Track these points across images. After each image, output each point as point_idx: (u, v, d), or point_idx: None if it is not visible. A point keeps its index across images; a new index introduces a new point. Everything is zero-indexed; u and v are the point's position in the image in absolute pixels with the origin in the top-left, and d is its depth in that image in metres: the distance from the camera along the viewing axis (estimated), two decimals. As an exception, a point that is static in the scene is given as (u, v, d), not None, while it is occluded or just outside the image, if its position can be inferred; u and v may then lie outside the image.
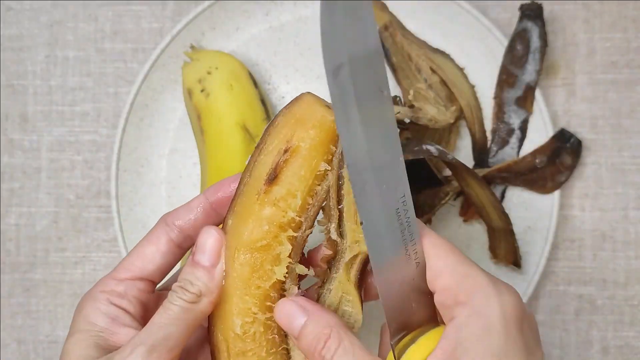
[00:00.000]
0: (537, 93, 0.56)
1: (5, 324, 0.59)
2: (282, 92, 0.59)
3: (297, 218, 0.38)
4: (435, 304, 0.36)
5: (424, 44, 0.58)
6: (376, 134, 0.33)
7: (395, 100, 0.56)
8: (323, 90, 0.61)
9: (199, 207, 0.40)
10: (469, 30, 0.57)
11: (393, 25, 0.57)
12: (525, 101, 0.56)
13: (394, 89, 0.58)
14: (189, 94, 0.55)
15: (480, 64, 0.57)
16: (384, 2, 0.58)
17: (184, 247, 0.41)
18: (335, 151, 0.37)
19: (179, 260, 0.42)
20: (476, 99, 0.58)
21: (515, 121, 0.56)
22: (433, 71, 0.57)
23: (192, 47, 0.57)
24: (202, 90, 0.55)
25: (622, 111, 0.59)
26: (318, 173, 0.37)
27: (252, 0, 0.58)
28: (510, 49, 0.56)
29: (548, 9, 0.58)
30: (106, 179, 0.59)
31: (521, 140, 0.57)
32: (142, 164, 0.58)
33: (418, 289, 0.37)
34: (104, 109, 0.60)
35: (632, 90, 0.59)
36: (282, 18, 0.59)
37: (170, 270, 0.42)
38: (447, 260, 0.36)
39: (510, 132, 0.56)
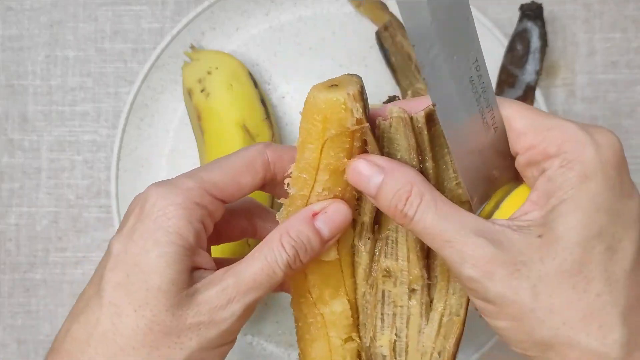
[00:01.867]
0: (537, 93, 0.56)
1: (5, 324, 0.59)
2: (282, 92, 0.59)
3: None
4: (520, 167, 0.35)
5: (424, 44, 0.58)
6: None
7: (394, 100, 0.56)
8: (323, 90, 0.61)
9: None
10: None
11: (393, 25, 0.57)
12: (525, 101, 0.56)
13: (394, 89, 0.58)
14: (189, 94, 0.55)
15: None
16: (384, 2, 0.58)
17: (265, 187, 0.39)
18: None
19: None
20: (476, 99, 0.58)
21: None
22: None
23: (192, 47, 0.57)
24: (202, 90, 0.55)
25: (622, 111, 0.59)
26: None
27: (252, 0, 0.58)
28: (510, 49, 0.56)
29: (548, 9, 0.58)
30: (106, 179, 0.59)
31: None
32: (142, 164, 0.58)
33: (498, 155, 0.35)
34: (104, 109, 0.60)
35: (632, 90, 0.59)
36: (282, 18, 0.59)
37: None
38: (528, 117, 0.34)
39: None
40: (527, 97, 0.56)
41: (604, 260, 0.32)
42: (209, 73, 0.55)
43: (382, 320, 0.39)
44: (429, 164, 0.37)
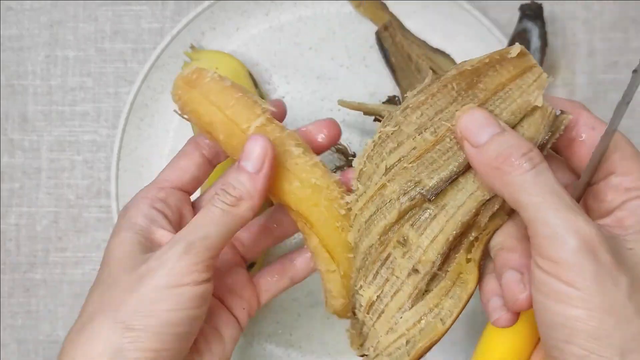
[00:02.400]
0: (537, 93, 0.56)
1: (5, 324, 0.59)
2: (283, 92, 0.59)
3: None
4: (603, 186, 0.37)
5: (424, 44, 0.58)
6: None
7: (394, 100, 0.56)
8: (323, 90, 0.61)
9: None
10: (469, 30, 0.57)
11: (393, 25, 0.57)
12: (526, 101, 0.56)
13: (394, 89, 0.58)
14: (189, 94, 0.55)
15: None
16: (384, 2, 0.58)
17: (214, 163, 0.45)
18: None
19: (209, 175, 0.45)
20: (476, 99, 0.58)
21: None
22: (433, 71, 0.57)
23: (192, 47, 0.57)
24: (202, 90, 0.55)
25: (622, 111, 0.59)
26: None
27: (252, 0, 0.58)
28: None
29: (548, 9, 0.58)
30: (106, 179, 0.59)
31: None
32: (142, 164, 0.58)
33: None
34: (104, 109, 0.60)
35: (632, 90, 0.59)
36: (282, 18, 0.59)
37: (202, 182, 0.45)
38: (633, 148, 0.38)
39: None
40: (527, 97, 0.56)
41: None
42: (209, 73, 0.55)
43: (374, 277, 0.40)
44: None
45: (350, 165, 0.56)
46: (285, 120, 0.59)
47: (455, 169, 0.37)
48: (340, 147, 0.56)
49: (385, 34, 0.57)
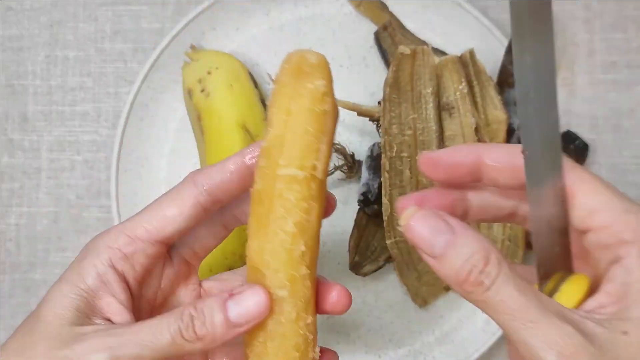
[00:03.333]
0: (537, 93, 0.56)
1: (5, 324, 0.59)
2: (282, 92, 0.59)
3: None
4: (590, 245, 0.32)
5: (423, 44, 0.58)
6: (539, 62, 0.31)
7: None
8: (323, 91, 0.60)
9: (234, 168, 0.36)
10: (469, 30, 0.57)
11: (392, 25, 0.57)
12: (526, 101, 0.56)
13: (394, 89, 0.58)
14: (189, 94, 0.55)
15: (482, 63, 0.57)
16: (384, 2, 0.58)
17: (210, 210, 0.37)
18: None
19: (201, 222, 0.38)
20: (476, 99, 0.58)
21: (515, 121, 0.56)
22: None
23: (192, 47, 0.57)
24: (202, 90, 0.55)
25: (622, 111, 0.59)
26: None
27: (252, 0, 0.58)
28: (511, 49, 0.56)
29: (548, 9, 0.58)
30: (106, 179, 0.59)
31: (521, 141, 0.57)
32: (142, 164, 0.58)
33: (559, 230, 0.33)
34: (104, 109, 0.60)
35: (632, 90, 0.59)
36: (283, 18, 0.59)
37: (188, 232, 0.38)
38: (604, 195, 0.32)
39: (511, 132, 0.56)
40: (527, 97, 0.56)
41: None
42: (209, 73, 0.55)
43: None
44: (477, 89, 0.48)
45: (349, 165, 0.56)
46: (285, 120, 0.59)
47: (436, 134, 0.48)
48: (339, 147, 0.56)
49: (384, 34, 0.57)
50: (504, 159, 0.34)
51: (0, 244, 0.59)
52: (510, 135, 0.56)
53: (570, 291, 0.32)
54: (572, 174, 0.32)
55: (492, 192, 0.36)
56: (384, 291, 0.57)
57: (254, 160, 0.36)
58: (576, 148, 0.56)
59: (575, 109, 0.59)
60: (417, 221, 0.32)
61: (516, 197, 0.36)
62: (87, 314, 0.35)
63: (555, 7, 0.59)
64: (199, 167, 0.57)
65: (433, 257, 0.31)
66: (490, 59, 0.57)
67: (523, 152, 0.32)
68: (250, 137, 0.54)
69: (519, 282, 0.30)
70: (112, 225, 0.58)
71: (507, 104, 0.56)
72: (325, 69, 0.35)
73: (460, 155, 0.34)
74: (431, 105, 0.52)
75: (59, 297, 0.35)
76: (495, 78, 0.57)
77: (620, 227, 0.31)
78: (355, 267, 0.54)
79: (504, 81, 0.56)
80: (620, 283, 0.30)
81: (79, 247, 0.59)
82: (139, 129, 0.58)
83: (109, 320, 0.36)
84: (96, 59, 0.60)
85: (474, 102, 0.53)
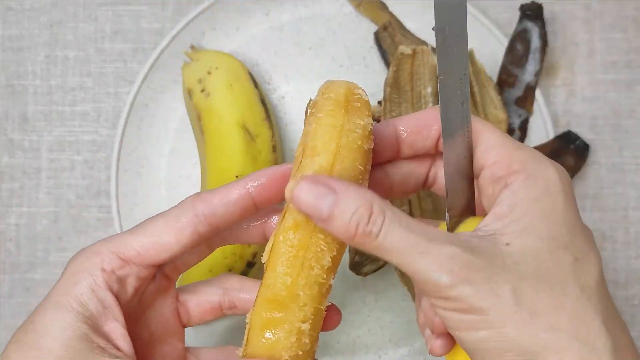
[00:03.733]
0: (537, 93, 0.56)
1: (5, 324, 0.59)
2: (283, 92, 0.59)
3: None
4: (483, 181, 0.36)
5: (423, 44, 0.58)
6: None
7: (395, 100, 0.56)
8: (323, 90, 0.60)
9: (237, 197, 0.36)
10: (469, 30, 0.57)
11: (392, 25, 0.57)
12: (526, 101, 0.56)
13: (394, 89, 0.58)
14: (189, 94, 0.55)
15: (481, 63, 0.57)
16: (384, 2, 0.58)
17: (207, 238, 0.37)
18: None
19: (191, 250, 0.38)
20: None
21: (515, 121, 0.56)
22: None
23: (192, 47, 0.57)
24: (202, 90, 0.55)
25: (622, 111, 0.59)
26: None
27: (252, 0, 0.58)
28: (511, 49, 0.56)
29: (548, 9, 0.58)
30: (106, 179, 0.59)
31: (521, 141, 0.57)
32: (142, 164, 0.58)
33: (466, 176, 0.37)
34: (104, 109, 0.60)
35: (632, 90, 0.59)
36: (283, 18, 0.59)
37: (177, 259, 0.38)
38: (497, 136, 0.36)
39: (511, 132, 0.56)
40: (527, 97, 0.56)
41: (574, 270, 0.33)
42: (209, 73, 0.55)
43: None
44: (476, 88, 0.49)
45: None
46: (285, 120, 0.59)
47: None
48: None
49: (384, 34, 0.57)
50: (413, 123, 0.38)
51: (0, 244, 0.59)
52: (511, 134, 0.56)
53: (464, 228, 0.37)
54: (477, 124, 0.36)
55: (408, 162, 0.39)
56: (384, 291, 0.57)
57: (255, 189, 0.36)
58: (577, 148, 0.56)
59: (575, 109, 0.59)
60: (301, 190, 0.33)
61: (429, 160, 0.40)
62: (96, 343, 0.34)
63: (555, 7, 0.59)
64: (198, 167, 0.57)
65: (323, 220, 0.33)
66: (490, 59, 0.57)
67: (438, 77, 0.35)
68: (250, 136, 0.54)
69: (405, 222, 0.32)
70: (112, 224, 0.58)
71: (507, 104, 0.56)
72: (369, 106, 0.36)
73: (383, 132, 0.38)
74: (431, 104, 0.52)
75: (63, 327, 0.33)
76: (495, 78, 0.57)
77: (510, 160, 0.35)
78: (355, 267, 0.54)
79: (504, 81, 0.57)
80: (506, 205, 0.34)
81: (79, 247, 0.59)
82: (139, 129, 0.58)
83: (114, 345, 0.35)
84: (96, 59, 0.60)
85: (474, 102, 0.53)
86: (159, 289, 0.39)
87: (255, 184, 0.37)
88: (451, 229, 0.38)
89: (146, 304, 0.39)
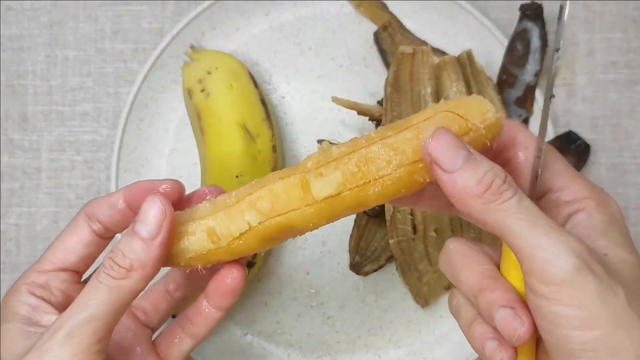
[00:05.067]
0: (537, 93, 0.56)
1: (5, 324, 0.59)
2: (282, 92, 0.59)
3: None
4: (544, 203, 0.37)
5: (423, 44, 0.58)
6: None
7: (395, 100, 0.56)
8: (323, 90, 0.61)
9: (120, 203, 0.39)
10: (469, 30, 0.57)
11: (392, 26, 0.57)
12: (525, 101, 0.56)
13: (394, 89, 0.58)
14: (189, 94, 0.55)
15: (480, 64, 0.57)
16: (384, 1, 0.58)
17: (107, 237, 0.40)
18: None
19: (103, 250, 0.41)
20: (476, 99, 0.58)
21: (515, 121, 0.57)
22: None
23: (192, 47, 0.57)
24: (202, 90, 0.55)
25: (622, 111, 0.59)
26: None
27: (252, 0, 0.58)
28: (511, 49, 0.56)
29: (548, 9, 0.58)
30: (106, 179, 0.59)
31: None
32: (143, 164, 0.58)
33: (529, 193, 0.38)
34: (104, 109, 0.60)
35: (632, 90, 0.59)
36: (283, 18, 0.59)
37: (95, 259, 0.41)
38: (562, 163, 0.38)
39: (510, 132, 0.56)
40: (527, 97, 0.56)
41: None
42: (209, 73, 0.55)
43: (461, 227, 0.52)
44: (475, 89, 0.50)
45: None
46: (285, 120, 0.59)
47: None
48: None
49: (383, 34, 0.57)
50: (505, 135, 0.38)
51: (1, 244, 0.59)
52: (510, 135, 0.56)
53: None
54: (548, 151, 0.37)
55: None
56: (384, 291, 0.57)
57: (128, 195, 0.39)
58: (577, 148, 0.56)
59: (575, 109, 0.59)
60: (439, 136, 0.33)
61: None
62: (37, 333, 0.37)
63: (555, 7, 0.59)
64: (199, 167, 0.58)
65: (452, 170, 0.33)
66: (490, 59, 0.57)
67: (550, 97, 0.38)
68: (250, 136, 0.54)
69: (532, 204, 0.33)
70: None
71: (507, 104, 0.56)
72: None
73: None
74: (430, 104, 0.52)
75: (10, 339, 0.37)
76: (495, 78, 0.57)
77: (577, 188, 0.37)
78: (356, 267, 0.54)
79: (504, 81, 0.57)
80: (584, 226, 0.36)
81: (79, 247, 0.59)
82: (139, 129, 0.58)
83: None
84: (96, 59, 0.60)
85: None
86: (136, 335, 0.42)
87: (130, 193, 0.39)
88: None
89: (128, 348, 0.42)
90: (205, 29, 0.58)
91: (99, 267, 0.37)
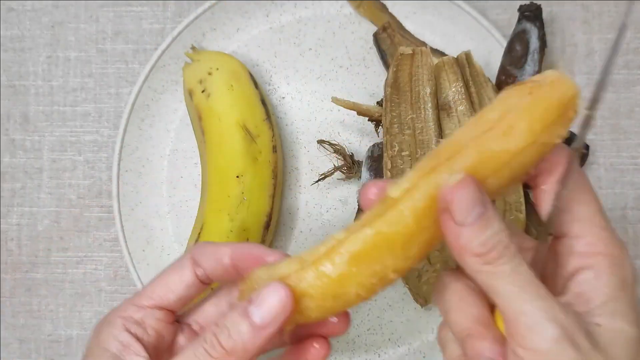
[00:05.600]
0: (536, 93, 0.56)
1: (6, 323, 0.59)
2: (283, 92, 0.59)
3: None
4: (559, 247, 0.35)
5: (423, 45, 0.58)
6: None
7: (395, 101, 0.56)
8: (323, 91, 0.61)
9: (226, 259, 0.39)
10: (468, 31, 0.57)
11: (392, 26, 0.58)
12: (524, 102, 0.56)
13: (394, 90, 0.58)
14: (189, 94, 0.56)
15: (480, 64, 0.57)
16: (384, 2, 0.58)
17: (207, 283, 0.40)
18: None
19: (200, 293, 0.40)
20: (475, 99, 0.58)
21: (514, 121, 0.57)
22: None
23: (193, 47, 0.57)
24: (203, 91, 0.55)
25: (620, 112, 0.59)
26: None
27: (253, 0, 0.58)
28: (510, 49, 0.57)
29: (547, 9, 0.58)
30: (107, 179, 0.60)
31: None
32: (143, 164, 0.58)
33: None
34: (106, 109, 0.60)
35: (630, 91, 0.59)
36: (283, 19, 0.59)
37: (189, 302, 0.41)
38: (589, 208, 0.35)
39: (509, 132, 0.57)
40: (526, 97, 0.56)
41: None
42: (209, 74, 0.55)
43: None
44: (473, 89, 0.51)
45: (348, 166, 0.56)
46: (285, 120, 0.59)
47: (435, 134, 0.51)
48: (338, 147, 0.57)
49: (383, 35, 0.58)
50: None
51: (2, 244, 0.59)
52: (509, 135, 0.57)
53: None
54: (580, 179, 0.35)
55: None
56: (384, 291, 0.57)
57: (236, 257, 0.38)
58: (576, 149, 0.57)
59: (574, 110, 0.59)
60: (463, 186, 0.32)
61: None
62: None
63: (554, 7, 0.59)
64: (199, 167, 0.58)
65: (462, 224, 0.32)
66: (490, 60, 0.57)
67: (591, 111, 0.34)
68: (250, 137, 0.54)
69: (527, 266, 0.33)
70: (113, 224, 0.58)
71: (506, 105, 0.57)
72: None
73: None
74: (430, 105, 0.52)
75: None
76: (494, 78, 0.57)
77: (594, 241, 0.34)
78: (355, 267, 0.55)
79: (503, 82, 0.57)
80: (589, 287, 0.34)
81: (80, 246, 0.59)
82: (140, 129, 0.58)
83: None
84: (97, 59, 0.61)
85: (471, 103, 0.53)
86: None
87: (238, 254, 0.39)
88: None
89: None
90: (206, 30, 0.58)
91: (199, 336, 0.35)
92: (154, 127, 0.58)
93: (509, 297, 0.32)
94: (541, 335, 0.31)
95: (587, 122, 0.33)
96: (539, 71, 0.56)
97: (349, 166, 0.56)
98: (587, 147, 0.57)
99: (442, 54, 0.58)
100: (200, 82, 0.55)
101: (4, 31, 0.61)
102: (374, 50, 0.59)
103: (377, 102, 0.56)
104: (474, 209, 0.32)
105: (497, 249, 0.32)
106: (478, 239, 0.32)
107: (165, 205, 0.58)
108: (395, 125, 0.52)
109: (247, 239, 0.53)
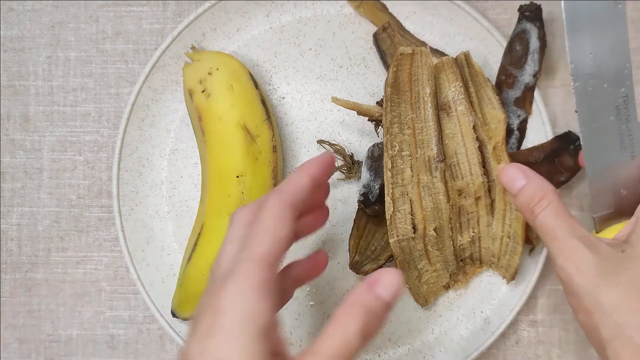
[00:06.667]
0: (536, 94, 0.56)
1: (7, 323, 0.59)
2: (283, 92, 0.59)
3: None
4: None
5: (423, 45, 0.58)
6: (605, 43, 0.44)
7: (395, 101, 0.56)
8: (323, 91, 0.61)
9: (308, 184, 0.41)
10: (468, 31, 0.58)
11: (392, 27, 0.58)
12: (524, 102, 0.56)
13: (394, 90, 0.58)
14: (189, 94, 0.56)
15: (479, 64, 0.57)
16: (384, 2, 0.59)
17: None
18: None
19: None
20: (475, 99, 0.58)
21: (514, 122, 0.57)
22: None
23: (193, 48, 0.57)
24: (203, 91, 0.55)
25: (620, 112, 0.59)
26: None
27: (253, 1, 0.58)
28: (509, 49, 0.57)
29: (547, 10, 0.58)
30: (107, 179, 0.60)
31: (520, 141, 0.57)
32: (143, 164, 0.58)
33: (632, 179, 0.47)
34: (106, 109, 0.60)
35: (630, 91, 0.59)
36: (283, 19, 0.59)
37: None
38: None
39: (509, 132, 0.57)
40: (525, 97, 0.56)
41: None
42: (209, 74, 0.55)
43: (460, 226, 0.54)
44: (472, 89, 0.54)
45: (348, 166, 0.56)
46: (285, 120, 0.59)
47: (435, 134, 0.53)
48: (338, 147, 0.57)
49: (383, 35, 0.58)
50: None
51: (2, 244, 0.59)
52: (510, 134, 0.57)
53: (613, 229, 0.48)
54: None
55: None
56: (384, 291, 0.57)
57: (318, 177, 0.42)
58: (576, 148, 0.57)
59: (574, 110, 0.59)
60: (504, 171, 0.49)
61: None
62: (271, 353, 0.35)
63: (554, 8, 0.59)
64: (199, 167, 0.58)
65: (513, 195, 0.48)
66: (490, 60, 0.58)
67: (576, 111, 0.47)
68: (251, 137, 0.54)
69: (561, 213, 0.45)
70: (113, 224, 0.58)
71: (506, 104, 0.57)
72: None
73: None
74: (429, 105, 0.52)
75: (243, 351, 0.34)
76: (494, 78, 0.57)
77: None
78: (356, 266, 0.55)
79: (503, 82, 0.57)
80: (636, 220, 0.45)
81: (80, 246, 0.59)
82: (140, 129, 0.58)
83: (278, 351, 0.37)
84: (97, 59, 0.61)
85: (470, 103, 0.53)
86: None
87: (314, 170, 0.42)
88: (598, 230, 0.49)
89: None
90: (206, 30, 0.58)
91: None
92: (154, 127, 0.58)
93: (545, 234, 0.44)
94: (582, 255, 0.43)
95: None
96: (539, 71, 0.56)
97: (349, 166, 0.56)
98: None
99: (442, 54, 0.58)
100: (200, 82, 0.55)
101: (4, 31, 0.61)
102: (374, 50, 0.59)
103: (377, 102, 0.56)
104: (516, 183, 0.47)
105: (535, 200, 0.45)
106: (524, 199, 0.46)
107: (165, 205, 0.58)
108: (395, 125, 0.52)
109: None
